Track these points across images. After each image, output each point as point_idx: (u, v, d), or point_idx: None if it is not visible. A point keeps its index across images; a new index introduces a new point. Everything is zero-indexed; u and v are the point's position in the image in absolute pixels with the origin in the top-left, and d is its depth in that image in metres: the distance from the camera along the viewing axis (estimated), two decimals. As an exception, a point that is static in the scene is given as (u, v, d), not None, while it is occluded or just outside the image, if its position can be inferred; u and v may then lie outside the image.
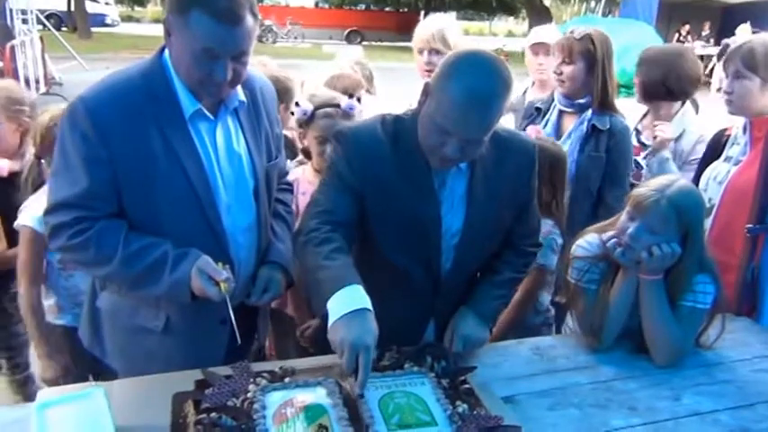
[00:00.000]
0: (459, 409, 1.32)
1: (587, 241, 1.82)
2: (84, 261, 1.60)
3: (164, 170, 1.52)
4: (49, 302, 2.17)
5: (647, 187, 1.69)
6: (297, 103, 2.10)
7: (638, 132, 2.86)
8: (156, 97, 1.52)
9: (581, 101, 2.48)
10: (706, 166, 2.28)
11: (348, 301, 1.36)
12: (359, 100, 2.18)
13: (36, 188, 2.18)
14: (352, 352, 1.30)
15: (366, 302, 1.37)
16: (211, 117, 1.59)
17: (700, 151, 2.50)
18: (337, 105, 2.10)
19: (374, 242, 1.63)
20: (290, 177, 2.05)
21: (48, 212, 1.56)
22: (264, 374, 1.43)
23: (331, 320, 1.35)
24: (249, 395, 1.34)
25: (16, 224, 2.11)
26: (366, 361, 1.30)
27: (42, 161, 2.15)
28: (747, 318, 2.07)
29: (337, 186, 1.58)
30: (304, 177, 2.20)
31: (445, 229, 1.62)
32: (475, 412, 1.31)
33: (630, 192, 1.77)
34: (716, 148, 2.34)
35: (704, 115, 3.17)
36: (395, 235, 1.61)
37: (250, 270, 1.72)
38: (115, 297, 1.69)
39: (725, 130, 2.38)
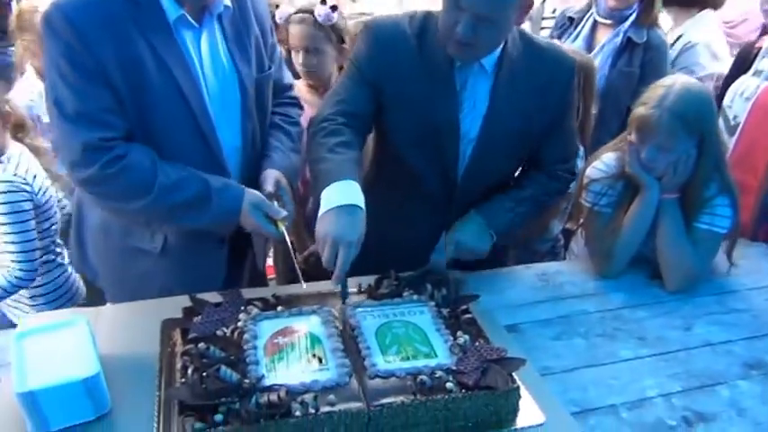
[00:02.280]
0: (461, 340, 1.26)
1: (604, 162, 1.71)
2: (115, 193, 1.44)
3: (154, 81, 1.39)
4: None
5: (644, 105, 1.55)
6: (277, 6, 2.02)
7: None
8: (137, 2, 1.37)
9: (626, 11, 2.30)
10: (733, 81, 2.12)
11: (341, 196, 1.34)
12: (333, 9, 2.05)
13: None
14: (333, 246, 1.28)
15: (359, 200, 1.35)
16: (196, 25, 1.44)
17: (687, 59, 2.36)
18: (311, 12, 2.02)
19: (391, 141, 1.63)
20: None
21: (66, 141, 1.40)
22: (256, 302, 1.36)
23: (320, 212, 1.34)
24: (239, 324, 1.28)
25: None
26: (345, 257, 1.28)
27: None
28: (764, 243, 1.98)
29: (356, 78, 1.57)
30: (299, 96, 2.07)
31: (463, 132, 1.56)
32: (477, 344, 1.24)
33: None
34: (744, 61, 2.18)
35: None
36: (410, 134, 1.58)
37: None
38: (105, 216, 1.60)
39: (754, 42, 2.20)
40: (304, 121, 1.74)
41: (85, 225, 1.68)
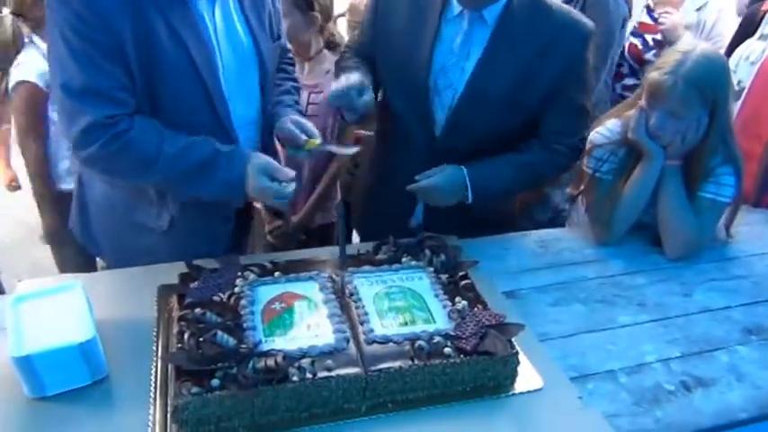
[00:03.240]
0: (459, 306, 1.25)
1: (607, 128, 1.68)
2: (121, 168, 1.40)
3: (168, 55, 1.33)
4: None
5: (659, 70, 1.51)
6: None
7: (649, 9, 2.65)
8: None
9: None
10: (738, 45, 2.08)
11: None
12: None
13: (18, 51, 2.06)
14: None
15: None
16: None
17: (725, 25, 2.30)
18: None
19: (382, 86, 1.67)
20: None
21: (70, 118, 1.33)
22: (253, 268, 1.34)
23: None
24: (236, 290, 1.27)
25: (12, 83, 1.99)
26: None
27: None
28: (766, 210, 1.96)
29: (366, 17, 1.69)
30: None
31: (448, 82, 1.56)
32: (475, 309, 1.23)
33: (643, 76, 1.60)
34: (750, 24, 2.13)
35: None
36: (392, 76, 1.64)
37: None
38: (109, 192, 1.55)
39: (761, 4, 2.15)
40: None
41: (88, 199, 1.63)
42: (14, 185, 2.83)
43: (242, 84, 1.48)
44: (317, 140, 1.50)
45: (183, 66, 1.35)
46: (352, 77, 1.48)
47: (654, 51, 2.68)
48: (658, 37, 2.68)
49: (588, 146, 1.69)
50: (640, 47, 2.75)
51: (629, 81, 2.78)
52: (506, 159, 1.62)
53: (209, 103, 1.42)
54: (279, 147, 1.67)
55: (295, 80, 1.75)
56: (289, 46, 1.79)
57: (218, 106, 1.43)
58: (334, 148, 1.64)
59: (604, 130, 1.68)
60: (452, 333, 1.17)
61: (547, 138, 1.63)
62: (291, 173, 1.42)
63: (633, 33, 2.79)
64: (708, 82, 1.49)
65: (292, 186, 1.41)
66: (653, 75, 1.52)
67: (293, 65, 1.79)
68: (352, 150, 1.65)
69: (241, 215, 1.63)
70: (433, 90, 1.58)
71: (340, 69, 1.65)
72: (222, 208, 1.53)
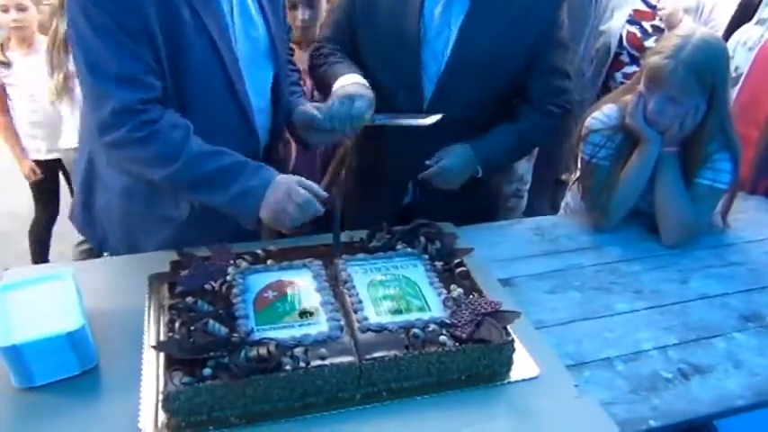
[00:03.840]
0: (454, 294, 1.23)
1: (604, 113, 1.66)
2: (143, 157, 1.35)
3: (194, 42, 1.32)
4: None
5: (659, 54, 1.49)
6: None
7: None
8: None
9: None
10: (735, 30, 2.06)
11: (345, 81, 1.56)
12: None
13: None
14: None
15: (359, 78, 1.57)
16: None
17: (723, 9, 2.28)
18: None
19: (364, 63, 1.67)
20: None
21: (99, 102, 1.31)
22: (245, 256, 1.32)
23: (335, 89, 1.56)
24: (228, 278, 1.24)
25: None
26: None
27: None
28: (762, 196, 1.95)
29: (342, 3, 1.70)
30: None
31: (435, 50, 1.59)
32: (471, 297, 1.22)
33: (643, 60, 1.58)
34: (747, 8, 2.11)
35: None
36: (376, 50, 1.65)
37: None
38: (130, 182, 1.48)
39: (758, -11, 2.12)
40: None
41: (98, 188, 1.56)
42: (35, 174, 2.77)
43: (255, 72, 1.47)
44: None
45: (206, 53, 1.34)
46: (358, 102, 1.50)
47: (654, 38, 2.66)
48: (656, 23, 2.66)
49: (585, 131, 1.67)
50: (639, 35, 2.72)
51: (629, 69, 2.76)
52: (505, 129, 1.68)
53: (233, 92, 1.41)
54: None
55: (298, 70, 1.75)
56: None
57: (240, 95, 1.42)
58: (407, 121, 1.58)
59: (601, 115, 1.66)
60: (448, 321, 1.16)
61: (536, 101, 1.68)
62: (323, 193, 1.36)
63: (630, 21, 2.76)
64: (708, 67, 1.47)
65: (318, 206, 1.36)
66: (652, 59, 1.50)
67: (297, 70, 1.77)
68: (431, 120, 1.57)
69: None
70: (421, 64, 1.61)
71: (324, 74, 1.65)
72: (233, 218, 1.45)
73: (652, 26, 2.70)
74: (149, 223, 1.53)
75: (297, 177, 1.38)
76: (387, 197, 1.76)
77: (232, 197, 1.35)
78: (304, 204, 1.33)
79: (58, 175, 2.88)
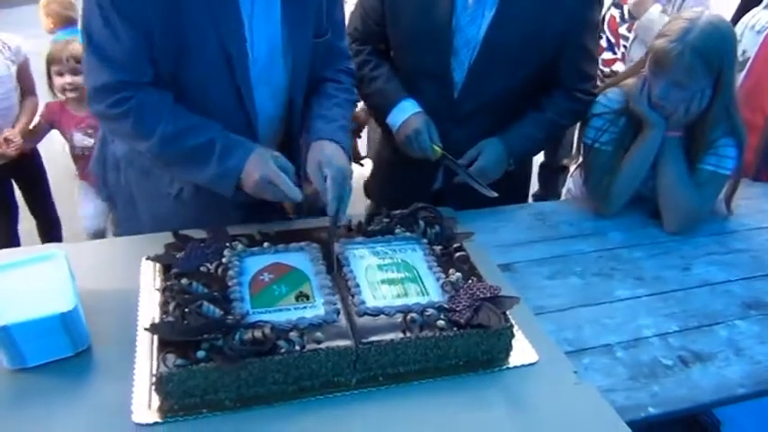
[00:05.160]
0: (453, 278, 1.21)
1: (607, 97, 1.63)
2: (122, 132, 1.41)
3: (197, 35, 1.28)
4: None
5: (665, 37, 1.46)
6: None
7: None
8: None
9: None
10: (744, 13, 2.02)
11: (401, 113, 1.64)
12: None
13: None
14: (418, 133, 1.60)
15: (414, 107, 1.64)
16: None
17: None
18: None
19: (395, 52, 1.71)
20: None
21: (89, 72, 1.34)
22: (242, 238, 1.31)
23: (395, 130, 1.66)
24: (224, 260, 1.23)
25: None
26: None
27: None
28: (766, 183, 1.93)
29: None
30: None
31: (468, 38, 1.57)
32: (470, 281, 1.20)
33: (649, 44, 1.55)
34: (756, -7, 2.07)
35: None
36: (410, 44, 1.65)
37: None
38: (128, 148, 1.49)
39: (767, -28, 2.09)
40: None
41: (109, 149, 1.58)
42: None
43: (270, 76, 1.42)
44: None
45: (211, 49, 1.30)
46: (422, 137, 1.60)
47: (626, 24, 2.60)
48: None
49: (587, 115, 1.65)
50: (618, 19, 2.67)
51: (606, 55, 2.71)
52: (534, 119, 1.67)
53: (236, 93, 1.37)
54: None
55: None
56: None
57: (244, 96, 1.38)
58: (470, 179, 1.60)
59: (604, 98, 1.64)
60: (446, 306, 1.14)
61: (570, 85, 1.65)
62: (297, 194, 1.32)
63: (615, 4, 2.70)
64: (714, 51, 1.44)
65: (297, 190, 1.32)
66: (658, 42, 1.47)
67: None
68: (489, 194, 1.57)
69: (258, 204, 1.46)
70: (452, 51, 1.59)
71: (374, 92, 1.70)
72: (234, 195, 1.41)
73: (629, 11, 2.63)
74: (144, 194, 1.54)
75: (272, 154, 1.34)
76: (416, 185, 1.75)
77: (208, 177, 1.35)
78: (281, 186, 1.30)
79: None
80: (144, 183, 1.53)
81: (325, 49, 1.50)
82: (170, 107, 1.34)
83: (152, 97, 1.32)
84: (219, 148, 1.33)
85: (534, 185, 3.53)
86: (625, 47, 2.62)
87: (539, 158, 3.42)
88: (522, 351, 1.16)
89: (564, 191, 2.18)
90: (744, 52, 1.93)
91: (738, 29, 1.99)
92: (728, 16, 2.48)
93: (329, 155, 1.35)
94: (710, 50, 1.43)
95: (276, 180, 1.29)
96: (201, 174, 1.35)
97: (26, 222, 2.86)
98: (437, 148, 1.60)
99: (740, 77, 1.92)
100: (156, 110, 1.32)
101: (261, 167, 1.30)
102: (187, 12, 1.26)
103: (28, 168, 2.73)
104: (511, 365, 1.14)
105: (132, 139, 1.39)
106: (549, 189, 3.43)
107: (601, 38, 2.73)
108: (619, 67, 2.66)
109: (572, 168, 2.02)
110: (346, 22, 1.63)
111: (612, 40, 2.68)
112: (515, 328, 1.15)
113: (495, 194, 1.58)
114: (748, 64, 1.92)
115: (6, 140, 2.48)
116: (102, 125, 1.48)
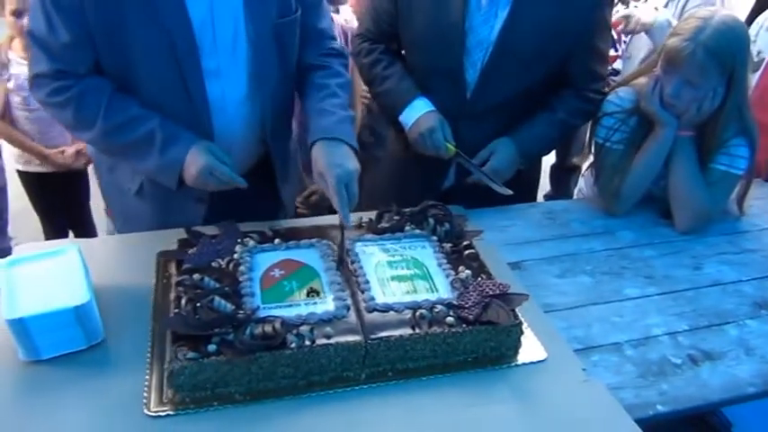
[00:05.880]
0: (462, 275, 1.22)
1: (619, 96, 1.63)
2: (65, 122, 1.42)
3: (137, 28, 1.28)
4: None
5: (677, 36, 1.46)
6: None
7: None
8: None
9: None
10: (759, 13, 2.01)
11: (414, 111, 1.64)
12: None
13: None
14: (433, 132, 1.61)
15: (427, 105, 1.65)
16: None
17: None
18: None
19: (407, 50, 1.72)
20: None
21: (31, 60, 1.38)
22: (253, 235, 1.32)
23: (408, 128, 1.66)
24: (235, 256, 1.24)
25: None
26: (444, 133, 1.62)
27: None
28: (779, 183, 1.92)
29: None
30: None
31: (477, 40, 1.57)
32: (479, 279, 1.20)
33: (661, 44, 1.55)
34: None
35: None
36: (423, 43, 1.65)
37: (247, 144, 1.50)
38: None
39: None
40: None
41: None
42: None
43: (233, 56, 1.38)
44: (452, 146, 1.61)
45: (154, 42, 1.29)
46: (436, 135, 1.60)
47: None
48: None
49: (599, 114, 1.65)
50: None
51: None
52: (545, 119, 1.68)
53: (179, 73, 1.33)
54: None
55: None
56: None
57: (188, 77, 1.34)
58: (484, 177, 1.61)
59: (615, 97, 1.63)
60: (455, 302, 1.15)
61: (581, 85, 1.66)
62: (238, 180, 1.33)
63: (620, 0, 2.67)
64: (727, 50, 1.43)
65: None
66: (672, 41, 1.47)
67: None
68: (503, 191, 1.59)
69: (232, 198, 1.41)
70: (465, 51, 1.59)
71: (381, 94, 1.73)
72: (195, 188, 1.40)
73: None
74: (112, 190, 1.59)
75: (208, 145, 1.34)
76: (427, 182, 1.75)
77: (152, 169, 1.37)
78: (221, 178, 1.32)
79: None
80: (110, 179, 1.57)
81: (304, 32, 1.47)
82: (111, 97, 1.34)
83: (93, 87, 1.34)
84: (160, 139, 1.33)
85: (546, 187, 3.54)
86: (626, 43, 2.60)
87: (550, 160, 3.43)
88: (530, 348, 1.16)
89: (576, 191, 2.17)
90: (759, 53, 1.92)
91: (753, 29, 1.98)
92: (743, 16, 2.46)
93: (328, 162, 1.29)
94: (723, 50, 1.43)
95: (216, 170, 1.31)
96: (144, 165, 1.37)
97: (35, 222, 2.89)
98: (451, 146, 1.60)
99: (755, 78, 1.90)
100: (96, 100, 1.33)
101: (199, 159, 1.31)
102: (128, 7, 1.26)
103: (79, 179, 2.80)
104: (519, 362, 1.14)
105: (74, 129, 1.44)
106: (561, 190, 3.42)
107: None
108: (619, 64, 2.65)
109: (584, 168, 2.01)
110: (355, 23, 1.64)
111: (614, 37, 2.66)
112: (524, 326, 1.16)
113: (511, 192, 1.58)
114: (764, 64, 1.91)
115: (79, 153, 2.56)
116: (47, 112, 1.45)
